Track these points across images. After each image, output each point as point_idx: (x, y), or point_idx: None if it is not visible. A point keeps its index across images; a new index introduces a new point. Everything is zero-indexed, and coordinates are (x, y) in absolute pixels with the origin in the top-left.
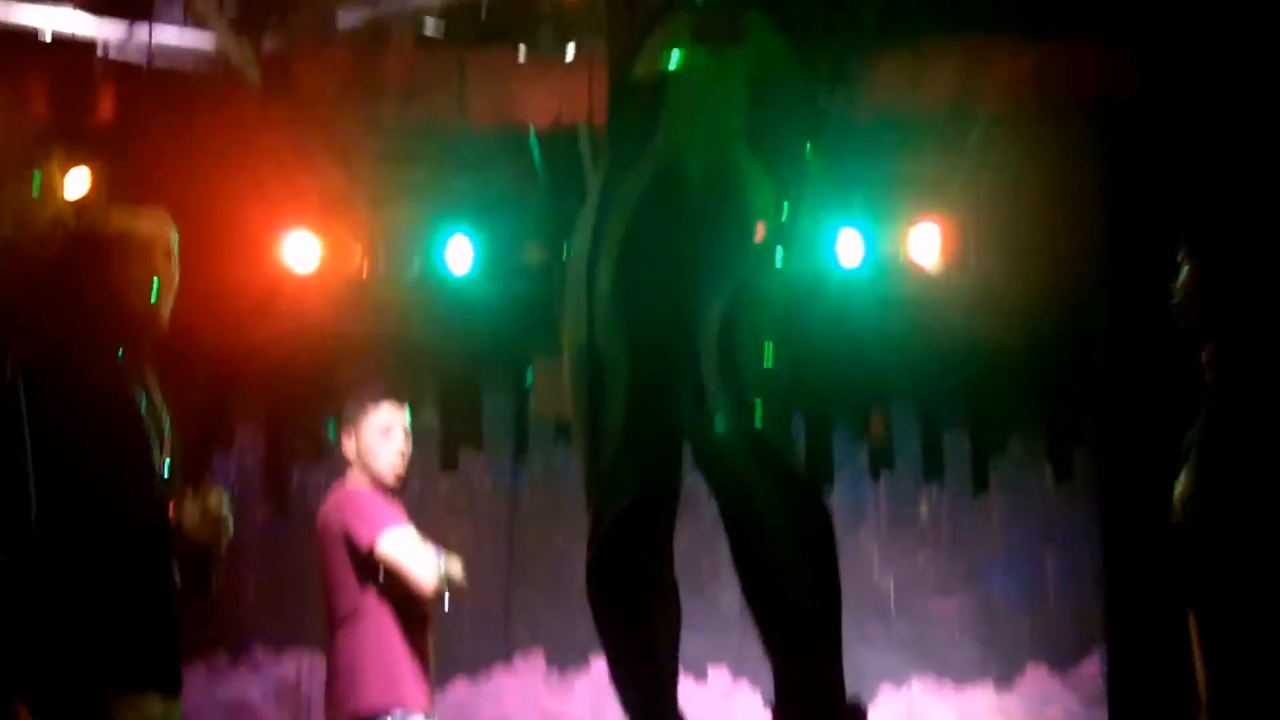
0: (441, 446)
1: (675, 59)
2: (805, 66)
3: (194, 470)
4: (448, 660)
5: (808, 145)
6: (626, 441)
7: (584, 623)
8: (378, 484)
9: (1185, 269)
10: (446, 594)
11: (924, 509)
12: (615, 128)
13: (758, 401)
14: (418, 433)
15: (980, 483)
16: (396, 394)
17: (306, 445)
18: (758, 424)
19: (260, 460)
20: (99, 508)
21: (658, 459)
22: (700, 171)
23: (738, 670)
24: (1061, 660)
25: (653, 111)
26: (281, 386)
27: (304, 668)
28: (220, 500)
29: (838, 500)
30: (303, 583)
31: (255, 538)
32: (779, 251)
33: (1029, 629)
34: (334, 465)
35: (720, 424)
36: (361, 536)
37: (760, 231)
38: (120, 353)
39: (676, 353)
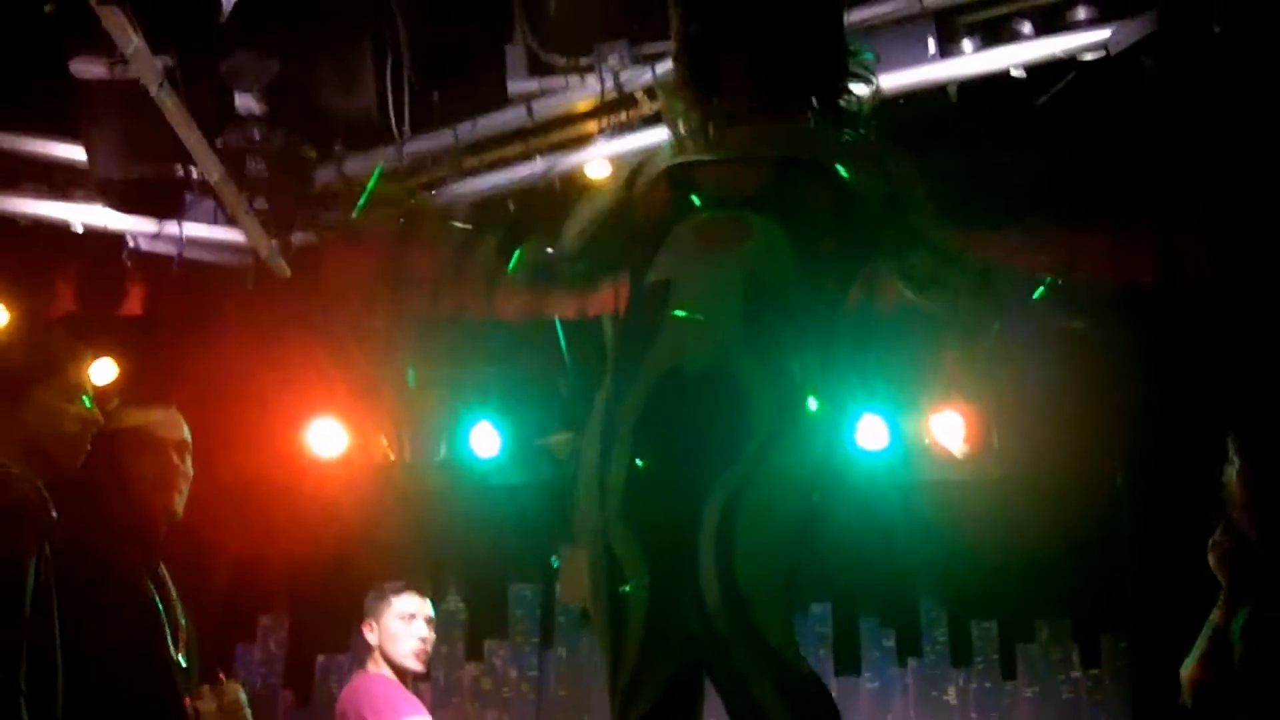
0: (467, 635)
1: (678, 262)
2: (809, 264)
3: (213, 664)
4: None
5: (815, 337)
6: (645, 645)
7: None
8: (399, 672)
9: (1235, 466)
10: None
11: (952, 695)
12: (625, 328)
13: (755, 598)
14: (443, 621)
15: (1008, 669)
16: (419, 585)
17: (330, 634)
18: (755, 621)
19: (283, 649)
20: (117, 702)
21: (677, 661)
22: (698, 369)
23: None
24: None
25: (659, 312)
26: (305, 574)
27: None
28: (237, 695)
29: (865, 686)
30: None
31: None
32: (795, 441)
33: None
34: (357, 655)
35: (717, 623)
36: None
37: (760, 425)
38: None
39: (685, 552)
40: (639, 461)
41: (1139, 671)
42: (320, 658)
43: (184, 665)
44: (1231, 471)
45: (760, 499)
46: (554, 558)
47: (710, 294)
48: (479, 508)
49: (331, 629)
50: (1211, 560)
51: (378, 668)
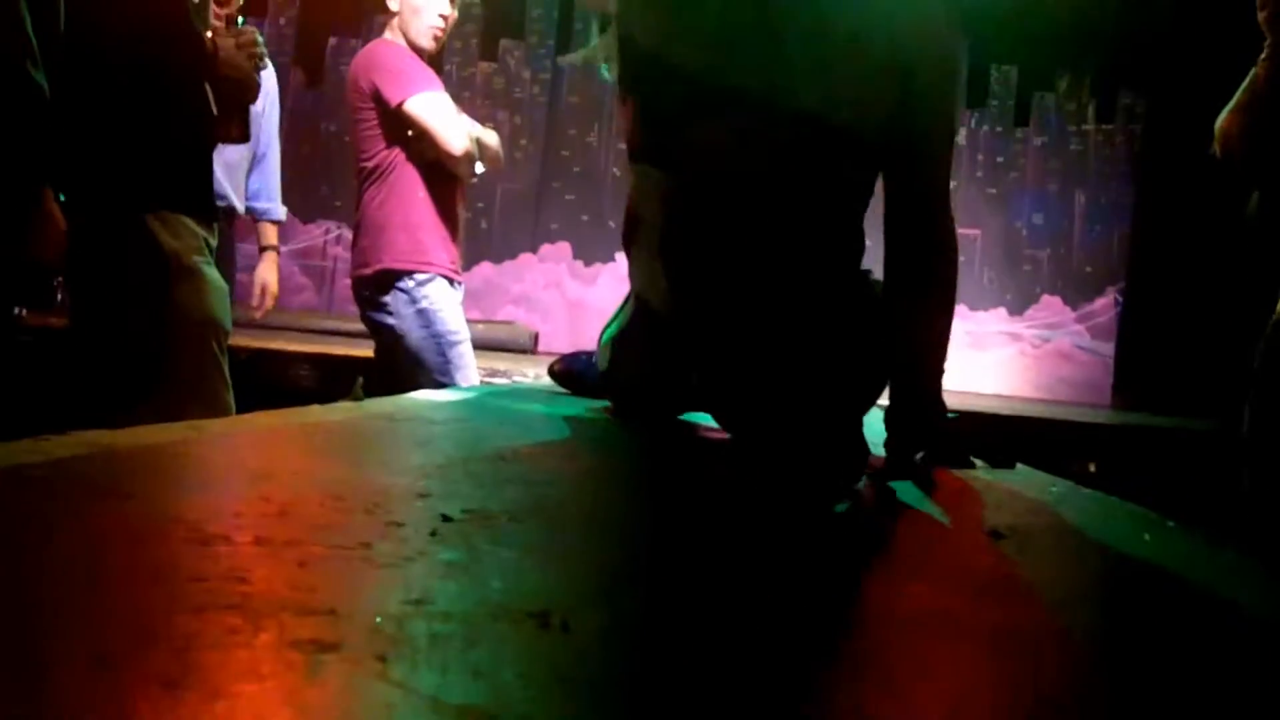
0: (482, 32)
1: None
2: None
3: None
4: (478, 245)
5: None
6: None
7: (614, 218)
8: (414, 47)
9: None
10: (478, 163)
11: (962, 136)
12: None
13: None
14: (459, 15)
15: (1021, 116)
16: None
17: (343, 14)
18: None
19: (293, 28)
20: (133, 33)
21: None
22: None
23: None
24: (1076, 295)
25: None
26: None
27: (330, 236)
28: (254, 35)
29: None
30: (331, 157)
31: (286, 108)
32: None
33: (1049, 262)
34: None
35: None
36: (390, 92)
37: None
38: None
39: None
40: None
41: (1152, 130)
42: (332, 40)
43: (197, 2)
44: None
45: None
46: None
47: None
48: None
49: (345, 9)
50: (1261, 19)
51: (395, 36)
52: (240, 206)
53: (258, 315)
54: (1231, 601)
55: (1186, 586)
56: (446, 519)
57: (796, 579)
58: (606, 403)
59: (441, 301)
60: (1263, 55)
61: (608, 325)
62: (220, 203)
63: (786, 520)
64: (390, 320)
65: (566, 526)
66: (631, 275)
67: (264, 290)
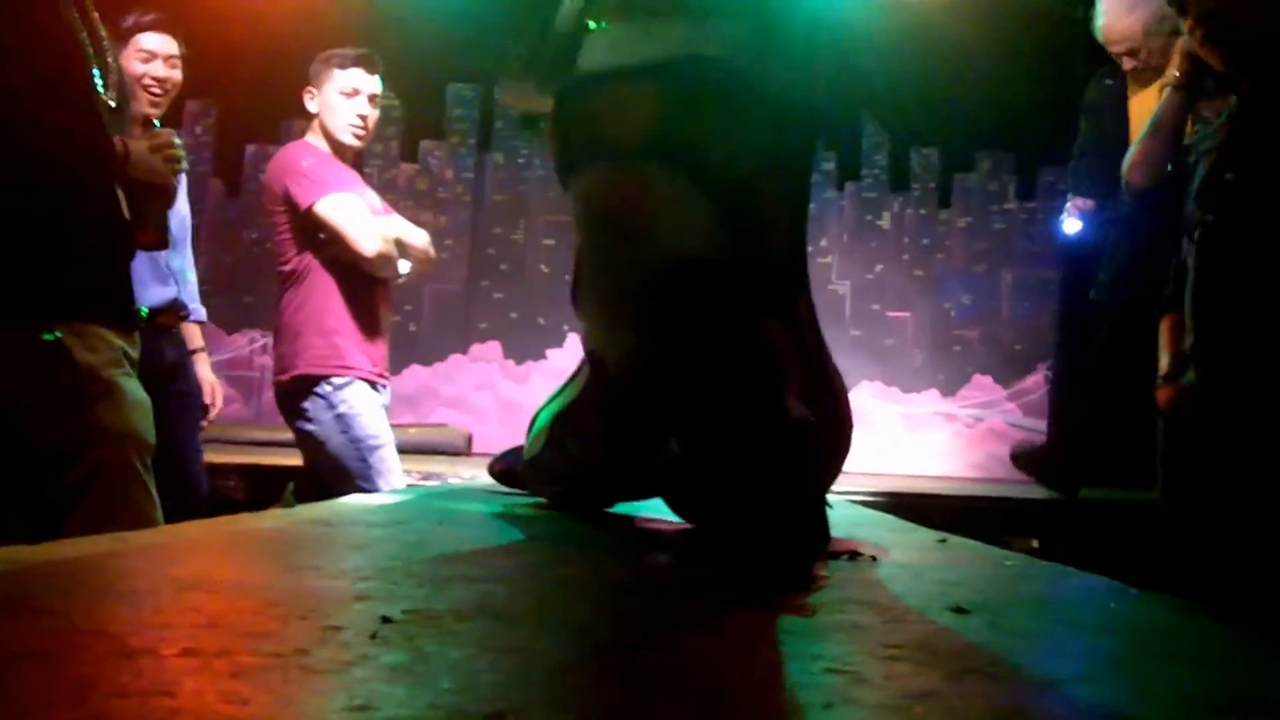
0: (403, 134)
1: None
2: None
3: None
4: (408, 347)
5: None
6: None
7: (543, 315)
8: (336, 147)
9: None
10: (404, 263)
11: (887, 220)
12: None
13: None
14: (379, 118)
15: (944, 198)
16: (370, 61)
17: (260, 124)
18: None
19: (211, 137)
20: (36, 140)
21: None
22: None
23: None
24: (1007, 373)
25: None
26: (235, 61)
27: (255, 345)
28: (171, 137)
29: None
30: (253, 266)
31: (205, 219)
32: None
33: (979, 342)
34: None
35: None
36: (299, 195)
37: None
38: None
39: None
40: None
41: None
42: (250, 147)
43: (113, 105)
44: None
45: None
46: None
47: None
48: (421, 2)
49: (262, 118)
50: (1195, 39)
51: (315, 138)
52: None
53: (214, 414)
54: (1225, 671)
55: (1172, 656)
56: (387, 620)
57: (767, 667)
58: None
59: (361, 405)
60: (1168, 83)
61: (543, 407)
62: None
63: (748, 607)
64: (310, 427)
65: (516, 624)
66: (584, 333)
67: (212, 391)
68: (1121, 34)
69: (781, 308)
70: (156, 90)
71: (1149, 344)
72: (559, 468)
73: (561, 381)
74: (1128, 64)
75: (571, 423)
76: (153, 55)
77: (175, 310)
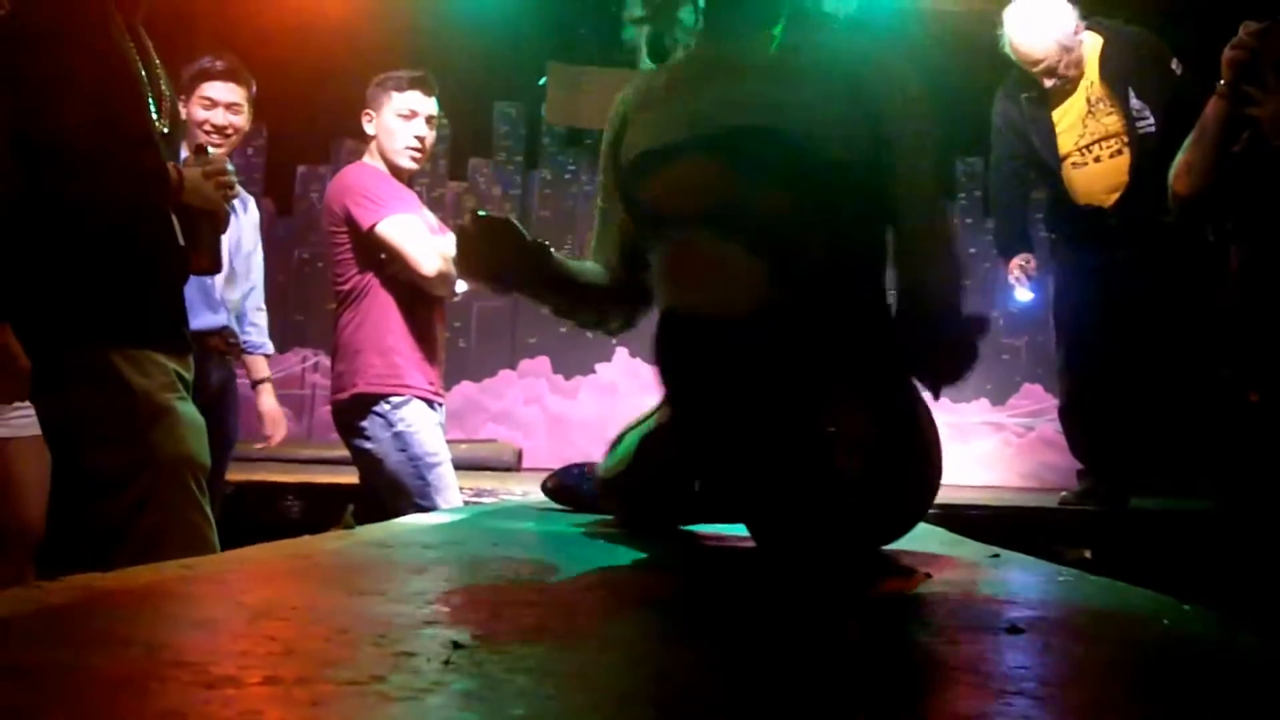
0: (450, 152)
1: None
2: None
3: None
4: (458, 363)
5: None
6: None
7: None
8: (393, 169)
9: None
10: (460, 281)
11: None
12: None
13: None
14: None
15: (989, 207)
16: (426, 83)
17: (310, 144)
18: None
19: (262, 158)
20: (93, 170)
21: None
22: None
23: None
24: (1056, 381)
25: None
26: (285, 81)
27: (307, 363)
28: (223, 163)
29: None
30: (305, 284)
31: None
32: None
33: (1027, 350)
34: (339, 167)
35: None
36: (361, 216)
37: None
38: (113, 17)
39: None
40: None
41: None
42: (301, 168)
43: (165, 132)
44: None
45: None
46: (541, 77)
47: None
48: (465, 19)
49: (312, 139)
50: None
51: (373, 160)
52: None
53: (274, 443)
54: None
55: (1220, 674)
56: (458, 646)
57: (822, 690)
58: (602, 516)
59: (418, 424)
60: (1215, 94)
61: (631, 427)
62: (216, 324)
63: (808, 630)
64: (368, 445)
65: (580, 647)
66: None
67: (274, 421)
68: (1039, 53)
69: (838, 358)
70: (217, 139)
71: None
72: (637, 487)
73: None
74: (1048, 81)
75: (656, 444)
76: (214, 103)
77: (224, 336)
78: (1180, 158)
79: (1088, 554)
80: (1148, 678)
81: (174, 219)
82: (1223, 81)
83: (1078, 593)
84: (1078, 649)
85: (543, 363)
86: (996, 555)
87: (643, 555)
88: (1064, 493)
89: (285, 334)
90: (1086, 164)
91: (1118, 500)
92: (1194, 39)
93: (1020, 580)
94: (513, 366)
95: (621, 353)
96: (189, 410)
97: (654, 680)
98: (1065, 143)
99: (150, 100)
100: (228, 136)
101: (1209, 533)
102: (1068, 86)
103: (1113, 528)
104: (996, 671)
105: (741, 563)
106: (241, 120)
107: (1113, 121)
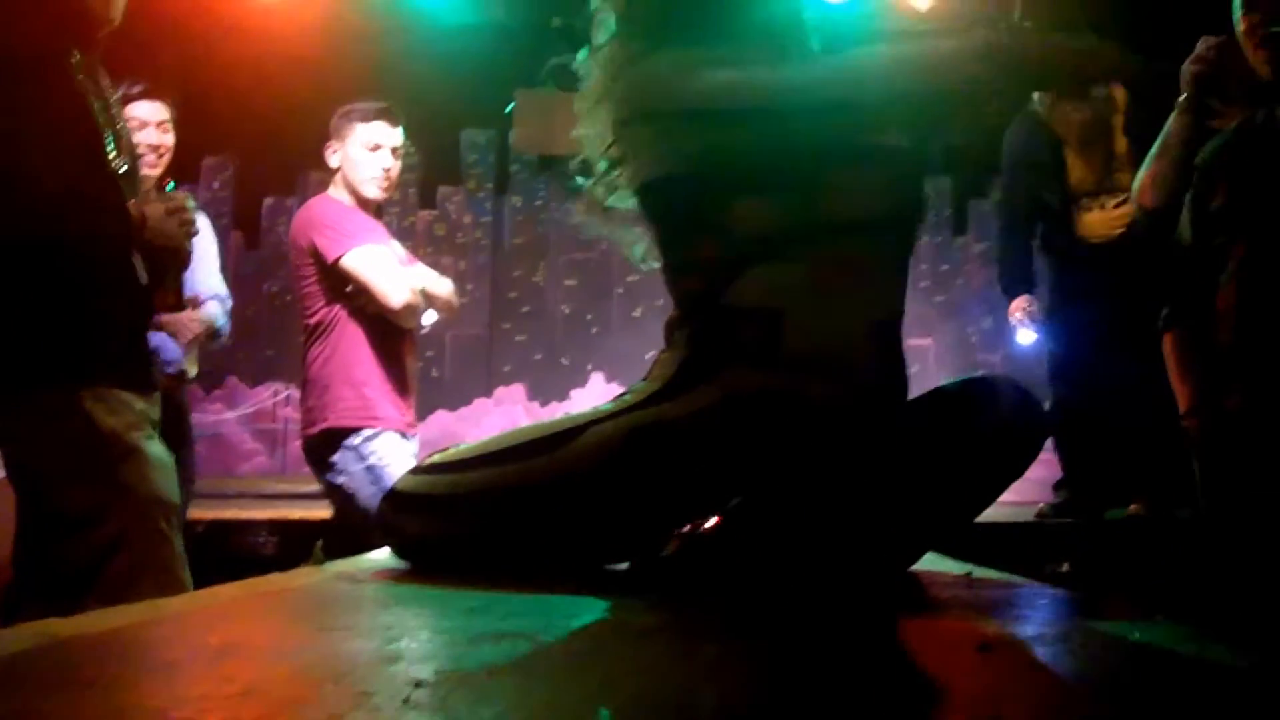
0: (419, 181)
1: None
2: None
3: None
4: (432, 393)
5: None
6: None
7: (567, 355)
8: (360, 200)
9: None
10: (429, 312)
11: None
12: None
13: None
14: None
15: (960, 225)
16: (392, 114)
17: (277, 177)
18: None
19: (229, 191)
20: (48, 207)
21: None
22: None
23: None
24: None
25: None
26: (250, 116)
27: (278, 397)
28: (185, 200)
29: None
30: (274, 318)
31: (229, 272)
32: None
33: (1002, 366)
34: (305, 199)
35: None
36: (326, 248)
37: None
38: (72, 55)
39: None
40: None
41: None
42: (267, 200)
43: (125, 170)
44: None
45: None
46: (509, 104)
47: None
48: (432, 48)
49: (278, 171)
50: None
51: (338, 191)
52: (192, 371)
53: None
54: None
55: (1192, 687)
56: (419, 685)
57: (792, 711)
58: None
59: (391, 456)
60: (1177, 108)
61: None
62: (169, 369)
63: (773, 653)
64: (341, 479)
65: (550, 680)
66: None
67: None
68: None
69: None
70: (152, 158)
71: None
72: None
73: None
74: (1075, 115)
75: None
76: (144, 123)
77: (171, 375)
78: (1144, 171)
79: (1065, 567)
80: (1118, 693)
81: (137, 257)
82: (1185, 95)
83: (1051, 610)
84: (1048, 667)
85: (518, 390)
86: (969, 573)
87: (614, 586)
88: (1041, 505)
89: (256, 369)
90: (1093, 210)
91: (1096, 512)
92: (1150, 52)
93: (992, 599)
94: (489, 394)
95: (597, 378)
96: (157, 449)
97: (626, 708)
98: (1079, 182)
99: (109, 138)
100: (161, 156)
101: (1188, 543)
102: (1089, 134)
103: (1091, 540)
104: (968, 691)
105: (714, 594)
106: (170, 139)
107: (1126, 178)
